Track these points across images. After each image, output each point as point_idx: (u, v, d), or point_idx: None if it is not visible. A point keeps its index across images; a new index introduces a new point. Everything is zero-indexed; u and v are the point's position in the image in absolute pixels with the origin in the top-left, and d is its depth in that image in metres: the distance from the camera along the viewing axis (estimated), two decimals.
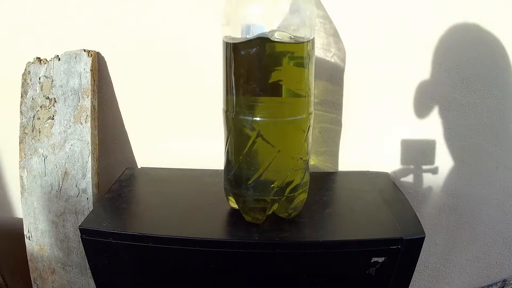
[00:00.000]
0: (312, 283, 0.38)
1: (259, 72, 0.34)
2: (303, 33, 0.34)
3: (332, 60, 0.44)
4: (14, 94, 0.49)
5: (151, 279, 0.40)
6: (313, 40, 0.35)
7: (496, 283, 0.56)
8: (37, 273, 0.51)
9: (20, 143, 0.50)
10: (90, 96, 0.46)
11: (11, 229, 0.55)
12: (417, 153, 0.49)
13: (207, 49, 0.44)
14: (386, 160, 0.48)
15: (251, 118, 0.34)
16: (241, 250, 0.36)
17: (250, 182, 0.35)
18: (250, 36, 0.32)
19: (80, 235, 0.38)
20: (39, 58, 0.50)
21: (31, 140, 0.49)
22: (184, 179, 0.47)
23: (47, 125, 0.48)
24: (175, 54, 0.46)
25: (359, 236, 0.38)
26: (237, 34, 0.34)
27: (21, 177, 0.50)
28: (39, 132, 0.48)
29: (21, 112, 0.50)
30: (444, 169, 0.50)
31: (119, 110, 0.48)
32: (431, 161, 0.49)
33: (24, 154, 0.49)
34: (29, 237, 0.50)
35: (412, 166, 0.49)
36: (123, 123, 0.49)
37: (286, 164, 0.36)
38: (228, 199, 0.39)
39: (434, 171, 0.50)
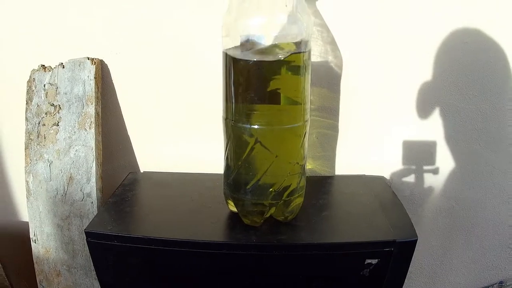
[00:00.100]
0: (308, 284, 0.41)
1: (258, 81, 0.37)
2: (307, 42, 0.37)
3: (329, 67, 0.47)
4: (19, 101, 0.53)
5: (154, 280, 0.43)
6: (309, 50, 0.38)
7: (493, 285, 0.59)
8: (43, 275, 0.54)
9: (25, 148, 0.53)
10: (94, 103, 0.49)
11: (17, 232, 0.58)
12: (413, 157, 0.51)
13: (208, 55, 0.47)
14: (382, 164, 0.51)
15: (249, 126, 0.37)
16: (240, 252, 0.39)
17: (248, 186, 0.38)
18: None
19: (85, 238, 0.42)
20: (44, 65, 0.53)
21: (36, 146, 0.52)
22: (185, 183, 0.50)
23: (52, 131, 0.51)
24: (177, 60, 0.49)
25: (354, 238, 0.40)
26: (237, 44, 0.37)
27: (26, 182, 0.53)
28: (44, 138, 0.52)
29: (26, 118, 0.53)
30: (440, 173, 0.53)
31: (122, 116, 0.52)
32: (427, 165, 0.52)
33: (30, 159, 0.52)
34: (35, 240, 0.53)
35: (408, 170, 0.52)
36: (126, 129, 0.52)
37: (283, 169, 0.39)
38: (227, 203, 0.42)
39: (430, 174, 0.53)
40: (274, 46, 0.36)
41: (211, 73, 0.45)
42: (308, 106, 0.40)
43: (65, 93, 0.51)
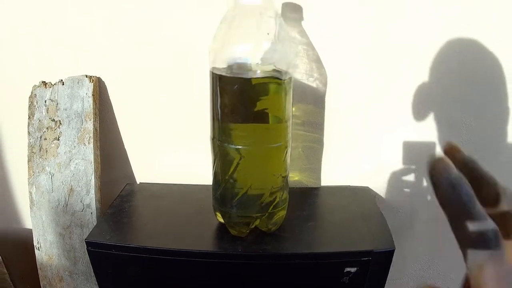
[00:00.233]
0: None
1: (243, 103, 0.42)
2: (284, 67, 0.42)
3: (314, 84, 0.52)
4: (22, 115, 0.58)
5: (150, 286, 0.49)
6: (291, 74, 0.43)
7: None
8: (46, 281, 0.60)
9: (28, 161, 0.59)
10: (92, 119, 0.54)
11: (22, 239, 0.64)
12: (397, 168, 0.56)
13: (201, 73, 0.51)
14: (367, 175, 0.55)
15: (234, 146, 0.42)
16: (227, 261, 0.44)
17: (234, 201, 0.43)
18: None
19: (86, 247, 0.47)
20: (44, 82, 0.58)
21: (39, 159, 0.58)
22: (178, 194, 0.56)
23: (53, 145, 0.57)
24: (170, 76, 0.54)
25: (334, 248, 0.45)
26: (223, 68, 0.41)
27: (30, 192, 0.59)
28: (46, 151, 0.57)
29: (29, 132, 0.58)
30: (426, 182, 0.57)
31: (119, 130, 0.57)
32: (411, 175, 0.57)
33: (33, 171, 0.58)
34: (38, 247, 0.59)
35: (393, 180, 0.57)
36: (123, 143, 0.58)
37: (267, 182, 0.44)
38: (216, 214, 0.47)
39: (415, 184, 0.57)
40: (258, 70, 0.41)
41: (205, 88, 0.50)
42: (290, 124, 0.44)
43: (65, 109, 0.56)
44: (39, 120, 0.58)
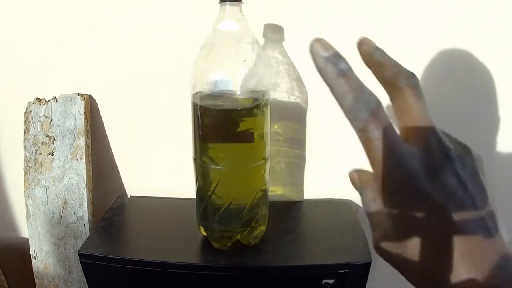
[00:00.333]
0: None
1: (222, 127, 0.46)
2: (261, 91, 0.46)
3: (296, 102, 0.55)
4: (19, 130, 0.63)
5: None
6: (268, 97, 0.47)
7: None
8: None
9: (24, 174, 0.63)
10: (84, 136, 0.59)
11: (19, 249, 0.69)
12: None
13: (189, 93, 0.56)
14: (350, 188, 0.59)
15: (214, 167, 0.46)
16: (209, 273, 0.48)
17: (216, 217, 0.48)
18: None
19: (79, 258, 0.52)
20: (39, 98, 0.63)
21: (34, 173, 0.63)
22: (167, 208, 0.60)
23: (47, 160, 0.61)
24: (159, 95, 0.58)
25: (312, 261, 0.50)
26: (204, 93, 0.46)
27: (26, 204, 0.63)
28: (41, 165, 0.62)
29: (24, 147, 0.63)
30: None
31: (110, 146, 0.62)
32: None
33: (29, 184, 0.63)
34: (35, 257, 0.64)
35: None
36: (114, 158, 0.62)
37: (247, 197, 0.48)
38: (199, 228, 0.52)
39: None
40: (236, 95, 0.45)
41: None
42: (268, 142, 0.48)
43: (59, 126, 0.61)
44: (34, 136, 0.62)
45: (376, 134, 0.20)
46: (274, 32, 0.54)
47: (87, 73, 0.59)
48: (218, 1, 0.45)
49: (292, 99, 0.55)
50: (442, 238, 0.20)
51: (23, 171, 0.63)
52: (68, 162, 0.60)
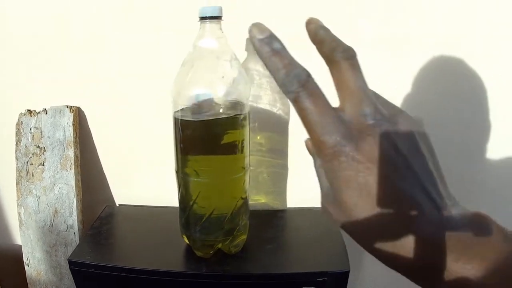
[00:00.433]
0: None
1: (201, 142, 0.49)
2: (240, 105, 0.49)
3: (278, 114, 0.59)
4: (11, 141, 0.67)
5: None
6: (247, 111, 0.50)
7: None
8: None
9: (17, 184, 0.67)
10: (73, 147, 0.63)
11: (12, 256, 0.73)
12: None
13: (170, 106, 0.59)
14: None
15: (195, 179, 0.49)
16: (192, 280, 0.52)
17: (197, 226, 0.51)
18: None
19: (69, 266, 0.56)
20: (30, 110, 0.67)
21: (26, 182, 0.66)
22: (153, 216, 0.64)
23: (38, 170, 0.65)
24: (146, 106, 0.62)
25: (291, 269, 0.53)
26: (186, 112, 0.49)
27: (19, 213, 0.67)
28: (32, 175, 0.66)
29: (16, 157, 0.67)
30: None
31: (98, 157, 0.65)
32: None
33: (21, 194, 0.67)
34: (28, 264, 0.68)
35: None
36: (102, 168, 0.66)
37: (228, 206, 0.51)
38: (183, 237, 0.55)
39: None
40: (216, 109, 0.48)
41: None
42: (248, 153, 0.52)
43: (49, 137, 0.65)
44: (26, 146, 0.66)
45: (307, 104, 0.22)
46: None
47: (76, 86, 0.63)
48: (198, 19, 0.48)
49: (274, 111, 0.59)
50: (379, 196, 0.21)
51: (15, 182, 0.67)
52: (58, 172, 0.64)
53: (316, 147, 0.23)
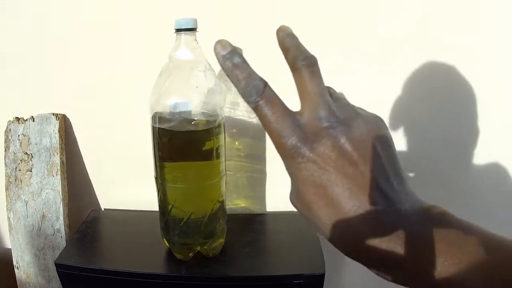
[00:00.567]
0: None
1: (178, 150, 0.53)
2: (215, 113, 0.53)
3: (255, 121, 0.62)
4: (0, 148, 0.71)
5: None
6: (222, 118, 0.54)
7: None
8: None
9: (6, 189, 0.72)
10: (59, 153, 0.67)
11: (4, 259, 0.78)
12: None
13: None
14: None
15: (173, 185, 0.53)
16: (172, 282, 0.56)
17: (176, 230, 0.55)
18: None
19: (56, 268, 0.60)
20: (18, 117, 0.71)
21: (15, 188, 0.71)
22: (136, 220, 0.68)
23: (26, 176, 0.70)
24: (129, 114, 0.66)
25: (268, 271, 0.57)
26: (163, 121, 0.53)
27: (8, 218, 0.72)
28: (21, 181, 0.70)
29: (5, 164, 0.72)
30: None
31: (84, 163, 0.69)
32: None
33: (10, 199, 0.71)
34: (17, 267, 0.73)
35: None
36: (87, 173, 0.70)
37: (205, 209, 0.55)
38: (164, 240, 0.59)
39: None
40: (191, 119, 0.52)
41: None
42: (224, 160, 0.56)
43: (36, 144, 0.69)
44: (14, 153, 0.71)
45: (266, 111, 0.25)
46: None
47: (62, 94, 0.67)
48: (174, 31, 0.52)
49: (252, 118, 0.62)
50: (332, 194, 0.24)
51: (4, 187, 0.71)
52: (45, 178, 0.68)
53: (277, 149, 0.26)
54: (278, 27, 0.27)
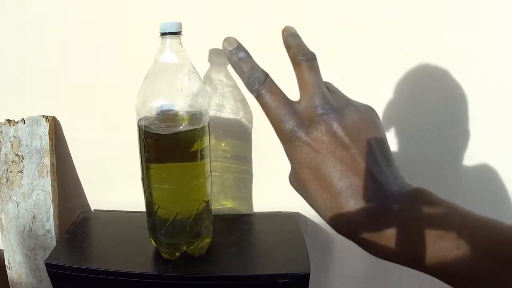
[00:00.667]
0: None
1: (163, 152, 0.55)
2: (199, 116, 0.55)
3: (241, 122, 0.65)
4: None
5: None
6: (207, 120, 0.56)
7: None
8: None
9: None
10: (49, 155, 0.70)
11: None
12: None
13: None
14: (299, 201, 0.68)
15: (158, 186, 0.56)
16: (159, 281, 0.58)
17: (162, 230, 0.58)
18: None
19: (46, 268, 0.63)
20: (9, 120, 0.74)
21: (6, 189, 0.74)
22: (125, 221, 0.70)
23: (17, 177, 0.72)
24: (117, 117, 0.68)
25: (253, 271, 0.59)
26: (148, 123, 0.55)
27: (0, 218, 0.75)
28: (12, 182, 0.73)
29: None
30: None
31: (73, 164, 0.72)
32: None
33: (1, 200, 0.74)
34: (9, 267, 0.75)
35: None
36: (77, 175, 0.73)
37: (191, 209, 0.57)
38: (151, 240, 0.62)
39: None
40: (176, 121, 0.55)
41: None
42: (209, 161, 0.58)
43: (27, 146, 0.71)
44: (5, 155, 0.73)
45: (267, 99, 0.28)
46: (218, 57, 0.63)
47: (52, 97, 0.69)
48: (159, 34, 0.54)
49: (237, 119, 0.65)
50: (325, 175, 0.26)
51: None
52: (35, 179, 0.71)
53: (276, 133, 0.29)
54: (283, 27, 0.31)
